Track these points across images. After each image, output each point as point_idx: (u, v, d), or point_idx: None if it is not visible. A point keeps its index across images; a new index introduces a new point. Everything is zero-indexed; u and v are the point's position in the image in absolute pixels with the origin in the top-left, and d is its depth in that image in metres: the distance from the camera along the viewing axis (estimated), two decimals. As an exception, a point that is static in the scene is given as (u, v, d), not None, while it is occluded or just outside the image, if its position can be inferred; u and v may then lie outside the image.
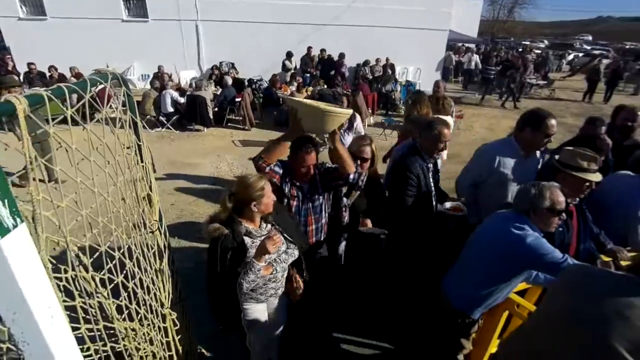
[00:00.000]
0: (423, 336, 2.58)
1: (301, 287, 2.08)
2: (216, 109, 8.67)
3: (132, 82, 10.53)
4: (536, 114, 2.52)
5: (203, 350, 2.62)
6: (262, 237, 1.87)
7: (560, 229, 2.25)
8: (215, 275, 1.85)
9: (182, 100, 8.07)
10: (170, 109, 8.03)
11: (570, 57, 22.84)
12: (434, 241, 2.70)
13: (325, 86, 9.77)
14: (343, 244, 2.84)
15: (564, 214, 1.90)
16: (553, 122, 2.48)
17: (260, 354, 2.20)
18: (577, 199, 2.32)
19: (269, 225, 1.97)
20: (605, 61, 15.44)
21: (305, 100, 1.90)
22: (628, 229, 2.48)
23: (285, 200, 2.19)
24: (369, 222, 2.84)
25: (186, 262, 3.46)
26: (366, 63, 11.33)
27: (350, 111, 1.91)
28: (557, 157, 2.42)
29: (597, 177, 2.23)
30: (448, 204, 2.82)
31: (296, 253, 2.02)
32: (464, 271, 2.08)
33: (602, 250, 2.37)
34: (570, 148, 2.39)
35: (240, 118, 8.50)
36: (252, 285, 1.86)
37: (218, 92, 8.99)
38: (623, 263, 2.24)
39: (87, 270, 1.10)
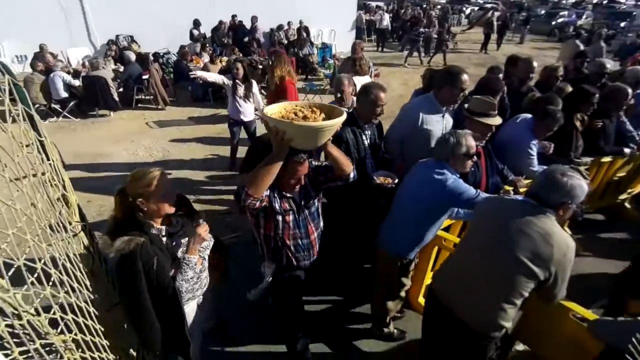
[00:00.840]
0: (369, 284, 2.81)
1: (222, 267, 2.13)
2: (121, 90, 7.77)
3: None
4: (451, 72, 2.72)
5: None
6: (180, 234, 1.75)
7: (472, 169, 2.56)
8: (141, 300, 1.58)
9: (76, 82, 7.04)
10: (64, 94, 6.95)
11: (468, 11, 24.66)
12: (367, 205, 2.80)
13: (241, 54, 9.30)
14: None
15: (475, 156, 2.16)
16: (466, 77, 2.70)
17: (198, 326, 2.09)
18: (484, 141, 2.64)
19: (179, 219, 1.80)
20: (496, 14, 17.04)
21: (294, 122, 1.53)
22: (521, 162, 2.90)
23: (280, 217, 1.87)
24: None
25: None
26: (280, 27, 10.99)
27: (344, 116, 1.60)
28: (466, 106, 2.71)
29: (498, 120, 2.56)
30: (379, 174, 2.60)
31: (211, 238, 1.93)
32: (395, 220, 2.29)
33: (505, 182, 2.77)
34: (477, 97, 2.68)
35: (152, 97, 7.77)
36: (191, 284, 1.75)
37: (121, 70, 8.01)
38: (521, 190, 2.65)
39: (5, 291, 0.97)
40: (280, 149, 1.60)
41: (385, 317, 2.58)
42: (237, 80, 4.64)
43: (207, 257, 1.90)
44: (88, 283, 1.76)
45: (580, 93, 3.11)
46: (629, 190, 4.16)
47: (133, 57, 7.86)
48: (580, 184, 1.58)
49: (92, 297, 1.71)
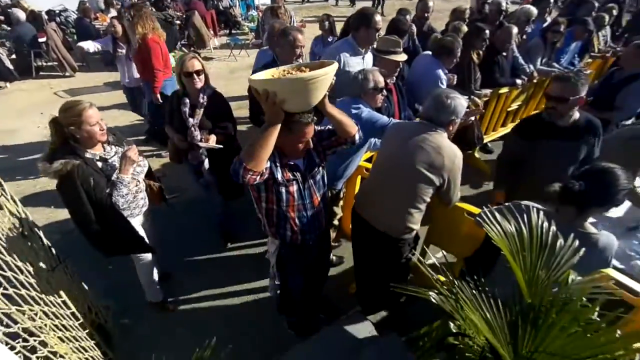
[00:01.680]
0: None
1: (156, 188, 2.40)
2: (14, 57, 6.79)
3: None
4: (365, 14, 2.87)
5: (106, 304, 2.61)
6: (113, 159, 2.00)
7: (386, 104, 2.86)
8: (86, 212, 1.86)
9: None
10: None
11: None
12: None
13: (153, 9, 8.47)
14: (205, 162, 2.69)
15: (384, 91, 2.41)
16: (379, 17, 2.89)
17: (150, 265, 2.44)
18: (394, 77, 2.91)
19: (113, 147, 2.05)
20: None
21: (283, 77, 1.40)
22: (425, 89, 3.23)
23: (283, 188, 1.73)
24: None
25: (54, 235, 3.15)
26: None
27: (335, 65, 1.46)
28: (374, 45, 2.93)
29: (403, 57, 2.81)
30: None
31: (145, 163, 2.20)
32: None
33: (416, 115, 3.12)
34: (383, 36, 2.89)
35: (56, 63, 6.93)
36: (127, 200, 2.02)
37: (9, 32, 6.94)
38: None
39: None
40: (274, 114, 1.44)
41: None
42: (117, 41, 4.19)
43: (141, 180, 2.18)
44: (25, 248, 1.78)
45: (473, 30, 3.48)
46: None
47: (23, 16, 6.82)
48: (461, 102, 1.92)
49: (29, 259, 1.75)
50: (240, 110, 5.21)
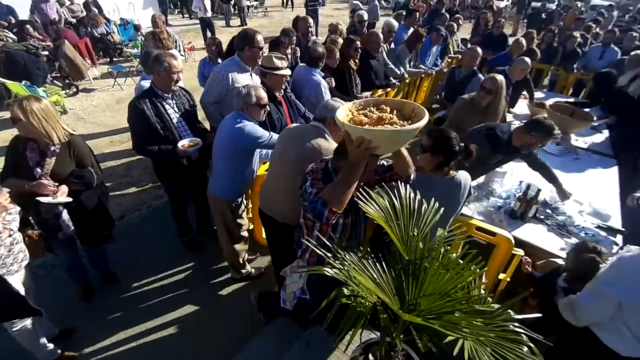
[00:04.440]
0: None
1: (36, 236, 2.10)
2: None
3: None
4: (248, 34, 3.04)
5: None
6: None
7: (277, 115, 3.03)
8: None
9: None
10: None
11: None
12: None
13: (13, 39, 7.42)
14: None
15: (267, 107, 2.55)
16: (260, 37, 3.07)
17: (32, 330, 2.12)
18: (282, 90, 3.11)
19: None
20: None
21: (384, 130, 1.32)
22: (319, 100, 3.52)
23: (341, 220, 1.74)
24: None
25: None
26: (61, 4, 9.16)
27: (427, 115, 1.37)
28: (260, 63, 3.09)
29: (287, 71, 3.02)
30: (184, 141, 2.65)
31: (17, 209, 1.95)
32: (218, 169, 2.57)
33: (307, 122, 3.35)
34: (267, 55, 3.08)
35: None
36: (2, 258, 1.80)
37: None
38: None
39: None
40: (363, 157, 1.42)
41: (238, 260, 2.92)
42: None
43: (15, 229, 1.89)
44: None
45: (346, 42, 3.92)
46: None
47: None
48: (335, 104, 2.17)
49: None
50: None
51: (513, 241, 2.33)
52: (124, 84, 7.13)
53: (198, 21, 10.42)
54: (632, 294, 1.56)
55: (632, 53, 4.88)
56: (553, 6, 13.92)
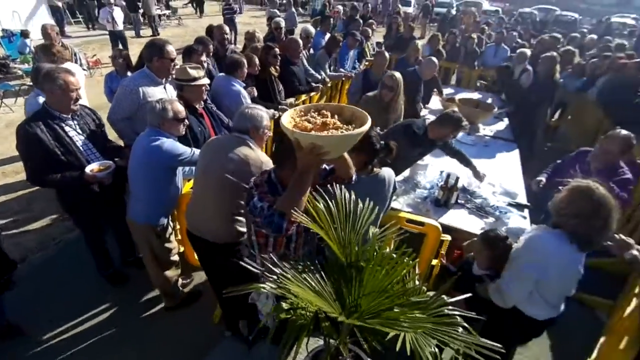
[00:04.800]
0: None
1: None
2: None
3: None
4: (156, 44, 2.81)
5: None
6: None
7: (200, 128, 2.86)
8: None
9: None
10: None
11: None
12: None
13: None
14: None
15: (187, 120, 2.39)
16: (171, 47, 2.85)
17: None
18: (202, 102, 2.95)
19: None
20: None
21: (335, 135, 1.32)
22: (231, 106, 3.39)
23: (294, 229, 1.57)
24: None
25: None
26: None
27: (369, 119, 1.39)
28: (173, 76, 2.90)
29: (206, 81, 2.87)
30: (93, 165, 2.36)
31: None
32: (135, 191, 2.34)
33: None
34: (181, 66, 2.89)
35: None
36: None
37: None
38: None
39: None
40: (316, 163, 1.42)
41: (170, 287, 2.68)
42: None
43: None
44: None
45: (265, 49, 3.86)
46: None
47: None
48: (258, 112, 2.11)
49: None
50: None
51: (440, 228, 2.48)
52: (14, 104, 6.21)
53: (104, 32, 9.50)
54: (546, 270, 1.73)
55: (518, 50, 5.62)
56: (453, 12, 15.49)
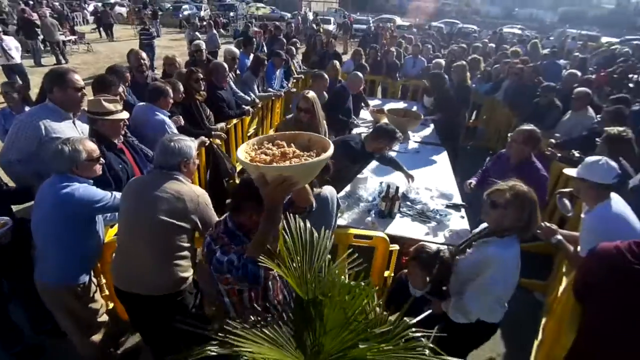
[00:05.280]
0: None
1: None
2: None
3: None
4: (57, 72, 2.52)
5: None
6: None
7: (120, 166, 2.55)
8: None
9: None
10: None
11: (91, 7, 22.64)
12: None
13: None
14: None
15: (102, 159, 2.10)
16: (75, 76, 2.54)
17: None
18: (121, 137, 2.64)
19: None
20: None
21: (304, 162, 1.28)
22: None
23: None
24: None
25: None
26: None
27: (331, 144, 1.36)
28: (86, 108, 2.57)
29: (124, 114, 2.57)
30: None
31: None
32: (44, 250, 1.97)
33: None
34: (93, 98, 2.58)
35: None
36: None
37: None
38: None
39: None
40: (283, 197, 1.35)
41: (99, 354, 2.28)
42: None
43: None
44: None
45: (186, 73, 3.64)
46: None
47: None
48: (186, 144, 1.92)
49: None
50: None
51: (388, 239, 2.49)
52: None
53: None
54: (508, 278, 1.78)
55: (434, 61, 6.09)
56: (372, 27, 16.51)
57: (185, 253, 1.89)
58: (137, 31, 12.67)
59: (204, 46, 5.49)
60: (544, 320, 2.74)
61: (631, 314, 1.59)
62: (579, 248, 2.10)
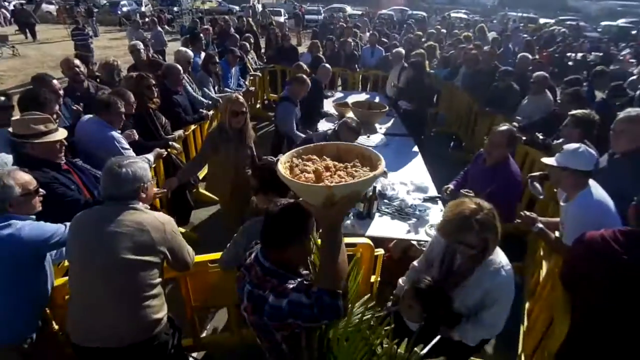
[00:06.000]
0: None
1: None
2: None
3: None
4: None
5: None
6: None
7: (73, 186, 2.23)
8: None
9: None
10: None
11: (11, 6, 20.36)
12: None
13: None
14: None
15: (41, 190, 1.80)
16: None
17: None
18: (62, 158, 2.29)
19: None
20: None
21: (367, 178, 1.13)
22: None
23: None
24: None
25: None
26: None
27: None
28: (10, 130, 2.20)
29: (62, 133, 2.24)
30: None
31: None
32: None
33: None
34: (19, 117, 2.22)
35: None
36: None
37: None
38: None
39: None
40: (343, 216, 1.21)
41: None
42: None
43: None
44: None
45: (136, 79, 3.25)
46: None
47: None
48: (139, 166, 1.68)
49: None
50: None
51: (372, 245, 2.38)
52: None
53: None
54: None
55: (394, 50, 6.03)
56: (322, 17, 16.26)
57: (157, 290, 1.65)
58: (69, 31, 11.55)
59: (141, 46, 4.99)
60: (527, 305, 2.79)
61: (619, 303, 1.60)
62: (563, 238, 2.11)
